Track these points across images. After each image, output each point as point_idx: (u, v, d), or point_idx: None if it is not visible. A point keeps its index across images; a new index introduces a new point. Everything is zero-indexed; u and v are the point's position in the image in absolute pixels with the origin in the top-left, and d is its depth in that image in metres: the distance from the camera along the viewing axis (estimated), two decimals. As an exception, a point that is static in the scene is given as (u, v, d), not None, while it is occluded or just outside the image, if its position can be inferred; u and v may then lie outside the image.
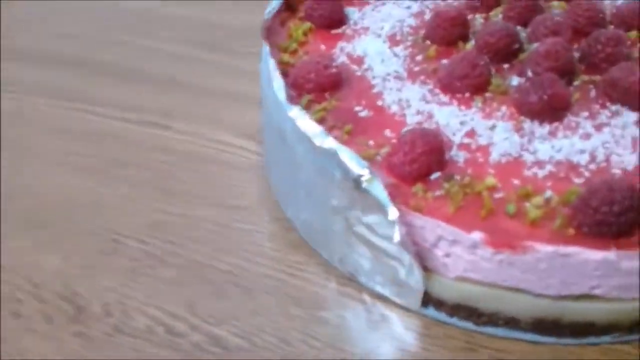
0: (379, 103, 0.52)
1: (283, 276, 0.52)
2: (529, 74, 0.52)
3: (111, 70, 0.75)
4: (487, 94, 0.52)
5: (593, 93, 0.51)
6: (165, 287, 0.51)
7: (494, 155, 0.46)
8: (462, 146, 0.47)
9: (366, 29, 0.61)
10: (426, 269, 0.44)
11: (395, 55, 0.57)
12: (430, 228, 0.42)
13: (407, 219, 0.43)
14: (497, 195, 0.44)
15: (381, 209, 0.43)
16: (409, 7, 0.63)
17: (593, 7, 0.58)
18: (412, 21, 0.61)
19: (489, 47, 0.54)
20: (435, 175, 0.45)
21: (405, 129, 0.49)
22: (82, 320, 0.48)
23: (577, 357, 0.44)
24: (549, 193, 0.43)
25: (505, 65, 0.55)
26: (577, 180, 0.45)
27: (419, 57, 0.56)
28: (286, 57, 0.57)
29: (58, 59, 0.76)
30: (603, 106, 0.50)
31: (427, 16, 0.61)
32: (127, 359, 0.46)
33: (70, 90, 0.71)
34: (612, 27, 0.58)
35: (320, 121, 0.50)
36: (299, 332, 0.47)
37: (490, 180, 0.44)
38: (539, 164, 0.46)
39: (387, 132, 0.49)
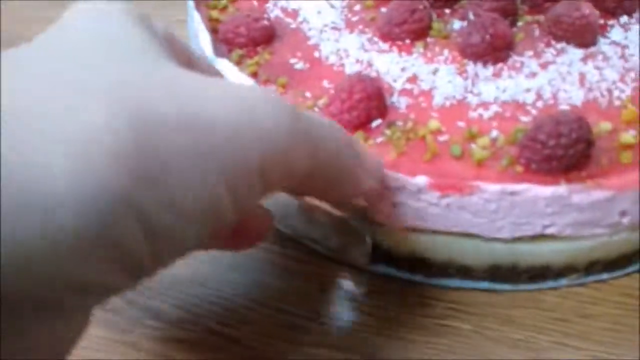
0: (316, 54, 0.49)
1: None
2: (471, 17, 0.49)
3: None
4: (429, 39, 0.49)
5: (537, 32, 0.49)
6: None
7: (437, 99, 0.44)
8: (404, 92, 0.45)
9: (301, -18, 0.57)
10: (373, 222, 0.42)
11: (332, 6, 0.54)
12: (373, 176, 0.40)
13: (348, 169, 0.40)
14: (442, 139, 0.41)
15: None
16: (344, -41, 0.60)
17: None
18: (349, -28, 0.58)
19: (429, -9, 0.52)
20: (376, 123, 0.42)
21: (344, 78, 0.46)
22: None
23: (535, 303, 0.42)
24: (495, 133, 0.41)
25: (447, 10, 0.52)
26: (524, 119, 0.42)
27: (357, 7, 0.53)
28: (215, 13, 0.53)
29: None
30: (548, 44, 0.48)
31: (366, -33, 0.58)
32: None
33: None
34: (553, -33, 0.56)
35: (253, 75, 0.47)
36: (242, 297, 0.44)
37: (434, 123, 0.42)
38: (484, 105, 0.44)
39: (325, 83, 0.46)
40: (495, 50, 0.46)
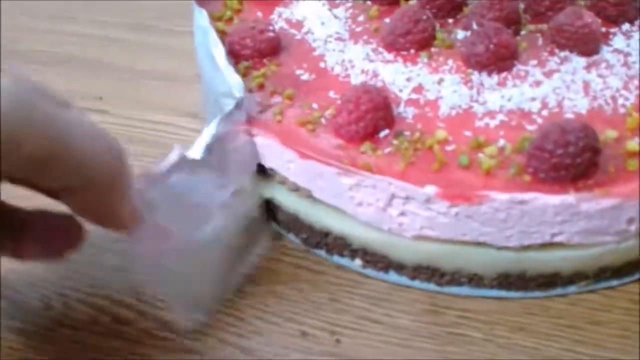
0: (321, 65, 0.49)
1: (234, 254, 0.49)
2: (474, 26, 0.50)
3: (40, 58, 0.70)
4: (433, 49, 0.50)
5: (540, 41, 0.50)
6: (108, 275, 0.47)
7: (443, 109, 0.44)
8: (410, 102, 0.45)
9: (303, -8, 0.58)
10: (382, 231, 0.42)
11: (336, 17, 0.54)
12: (382, 187, 0.40)
13: (356, 180, 0.40)
14: (449, 148, 0.42)
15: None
16: (347, -30, 0.60)
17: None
18: (352, -17, 0.58)
19: (432, 2, 0.52)
20: (383, 133, 0.43)
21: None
22: (19, 316, 0.44)
23: (545, 310, 0.42)
24: (501, 142, 0.42)
25: (450, 20, 0.53)
26: (530, 128, 0.43)
27: (360, 18, 0.54)
28: (221, 25, 0.54)
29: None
30: (551, 53, 0.49)
31: (368, -23, 0.58)
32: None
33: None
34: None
35: (259, 87, 0.48)
36: (254, 308, 0.44)
37: (441, 133, 0.42)
38: (490, 114, 0.44)
39: (331, 94, 0.47)
40: (499, 60, 0.47)
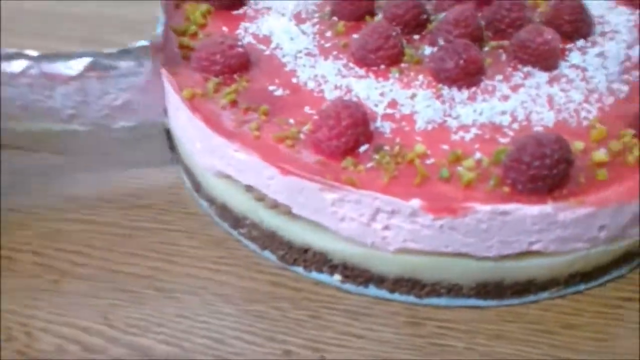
0: (294, 81, 0.50)
1: (207, 274, 0.48)
2: (441, 42, 0.51)
3: None
4: (403, 65, 0.51)
5: (504, 57, 0.52)
6: (73, 301, 0.45)
7: (420, 123, 0.45)
8: (386, 117, 0.46)
9: (268, 8, 0.58)
10: (364, 245, 0.42)
11: (304, 32, 0.55)
12: (367, 201, 0.40)
13: (340, 195, 0.41)
14: (428, 162, 0.42)
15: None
16: (308, -15, 0.61)
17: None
18: (316, -1, 0.59)
19: (398, 19, 0.54)
20: (363, 148, 0.43)
21: (325, 104, 0.46)
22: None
23: (520, 317, 0.44)
24: (478, 155, 0.43)
25: (416, 36, 0.54)
26: (503, 140, 0.44)
27: (328, 34, 0.54)
28: (186, 40, 0.53)
29: None
30: (515, 68, 0.50)
31: (332, -7, 0.59)
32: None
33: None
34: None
35: (232, 104, 0.47)
36: (233, 329, 0.44)
37: (420, 147, 0.43)
38: (464, 127, 0.45)
39: (307, 109, 0.47)
40: (468, 75, 0.48)
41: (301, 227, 0.44)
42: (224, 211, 0.49)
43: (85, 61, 0.48)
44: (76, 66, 0.48)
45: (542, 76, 0.50)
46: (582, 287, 0.45)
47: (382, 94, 0.48)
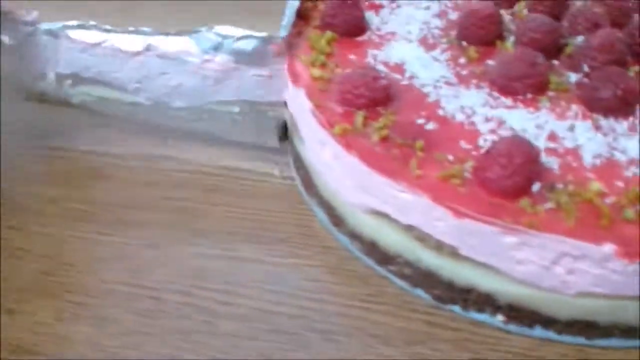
0: (440, 113, 0.48)
1: (358, 312, 0.46)
2: (586, 68, 0.50)
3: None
4: (550, 93, 0.49)
5: (651, 83, 0.50)
6: (229, 343, 0.44)
7: (587, 158, 0.44)
8: (550, 151, 0.44)
9: (392, 33, 0.56)
10: (540, 288, 0.41)
11: (436, 59, 0.53)
12: (552, 245, 0.39)
13: (522, 239, 0.39)
14: (608, 201, 0.41)
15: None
16: (428, 8, 0.59)
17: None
18: (437, 22, 0.57)
19: (535, 43, 0.52)
20: (535, 187, 0.42)
21: (481, 138, 0.45)
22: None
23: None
24: (658, 192, 0.41)
25: (555, 62, 0.52)
26: (679, 175, 0.43)
27: (461, 60, 0.53)
28: (317, 71, 0.52)
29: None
30: (666, 94, 0.49)
31: (451, 16, 0.57)
32: None
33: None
34: None
35: (383, 140, 0.46)
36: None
37: (595, 185, 0.41)
38: (633, 162, 0.44)
39: (463, 144, 0.45)
40: (626, 105, 0.46)
41: (467, 268, 0.43)
42: (372, 247, 0.48)
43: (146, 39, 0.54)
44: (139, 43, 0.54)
45: (693, 103, 0.48)
46: None
47: (537, 126, 0.46)
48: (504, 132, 0.46)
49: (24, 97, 0.60)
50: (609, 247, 0.38)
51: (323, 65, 0.53)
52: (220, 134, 0.57)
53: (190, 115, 0.56)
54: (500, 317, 0.44)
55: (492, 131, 0.46)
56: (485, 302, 0.44)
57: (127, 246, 0.51)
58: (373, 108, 0.48)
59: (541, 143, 0.45)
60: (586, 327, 0.42)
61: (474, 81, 0.51)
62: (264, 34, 0.53)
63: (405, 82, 0.51)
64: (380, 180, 0.43)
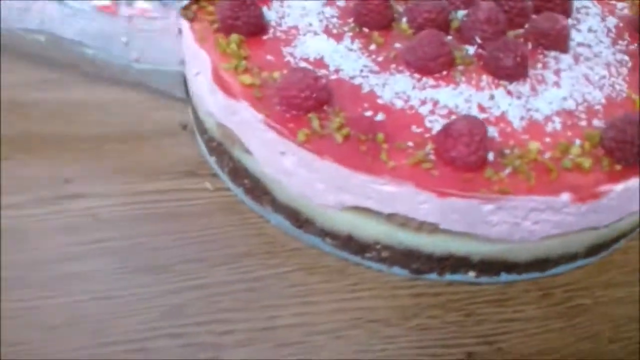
0: (380, 102, 0.51)
1: (351, 304, 0.49)
2: (478, 40, 0.56)
3: None
4: (459, 67, 0.55)
5: (530, 46, 0.58)
6: None
7: (515, 122, 0.50)
8: (486, 122, 0.50)
9: (295, 27, 0.57)
10: (508, 242, 0.48)
11: (350, 49, 0.55)
12: (522, 204, 0.45)
13: (498, 205, 0.45)
14: (547, 156, 0.48)
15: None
16: (314, -4, 0.61)
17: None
18: (330, 11, 0.59)
19: (430, 23, 0.57)
20: (490, 156, 0.47)
21: (426, 119, 0.49)
22: None
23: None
24: (578, 141, 0.50)
25: (449, 37, 0.58)
26: (583, 124, 0.51)
27: (372, 47, 0.56)
28: (247, 78, 0.51)
29: None
30: (544, 55, 0.57)
31: (340, 2, 0.60)
32: None
33: None
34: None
35: (345, 138, 0.47)
36: (410, 348, 0.46)
37: (534, 145, 0.48)
38: (548, 118, 0.51)
39: (414, 129, 0.49)
40: (523, 68, 0.54)
41: (445, 240, 0.48)
42: (347, 241, 0.50)
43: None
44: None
45: (566, 58, 0.57)
46: None
47: (466, 101, 0.52)
48: (442, 111, 0.50)
49: None
50: (566, 196, 0.45)
51: (246, 71, 0.52)
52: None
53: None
54: (471, 273, 0.50)
55: (432, 112, 0.50)
56: (460, 264, 0.49)
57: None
58: (320, 108, 0.49)
59: (477, 115, 0.51)
60: (541, 263, 0.50)
61: (393, 66, 0.54)
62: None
63: (334, 77, 0.53)
64: (361, 177, 0.45)
